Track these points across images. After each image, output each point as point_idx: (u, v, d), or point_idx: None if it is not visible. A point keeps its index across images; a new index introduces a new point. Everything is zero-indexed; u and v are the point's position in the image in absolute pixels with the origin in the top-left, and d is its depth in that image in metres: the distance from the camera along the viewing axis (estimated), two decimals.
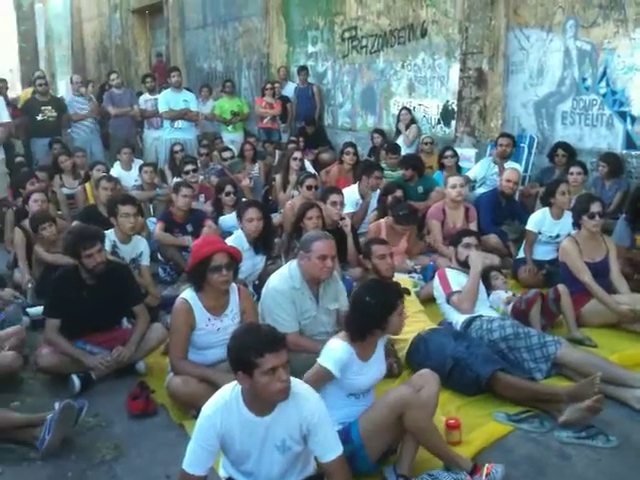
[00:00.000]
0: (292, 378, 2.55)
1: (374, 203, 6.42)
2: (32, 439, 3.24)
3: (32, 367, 4.07)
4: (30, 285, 5.36)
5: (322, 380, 2.94)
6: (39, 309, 4.72)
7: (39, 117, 8.53)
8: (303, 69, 10.07)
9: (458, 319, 4.26)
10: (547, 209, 5.49)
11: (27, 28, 12.21)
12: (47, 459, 3.19)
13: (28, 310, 4.98)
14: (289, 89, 10.46)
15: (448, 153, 7.33)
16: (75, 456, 3.24)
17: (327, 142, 9.74)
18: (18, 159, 8.14)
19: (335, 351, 2.95)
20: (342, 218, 5.44)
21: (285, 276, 3.81)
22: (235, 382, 2.55)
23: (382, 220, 5.71)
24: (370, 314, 2.98)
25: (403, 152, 7.90)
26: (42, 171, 7.00)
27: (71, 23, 18.47)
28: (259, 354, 2.40)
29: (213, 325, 3.61)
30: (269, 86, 10.02)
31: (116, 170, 7.88)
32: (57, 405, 3.28)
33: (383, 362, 3.23)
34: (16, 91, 9.88)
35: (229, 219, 5.95)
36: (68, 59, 18.84)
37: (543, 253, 5.53)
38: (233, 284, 3.71)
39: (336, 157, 8.39)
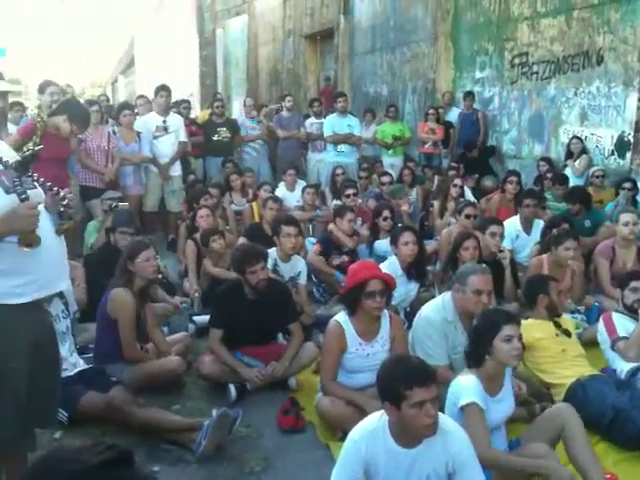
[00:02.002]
0: (440, 414, 2.53)
1: (536, 236, 6.17)
2: (189, 442, 3.46)
3: (194, 373, 4.36)
4: (197, 295, 5.75)
5: (480, 417, 2.85)
6: (204, 318, 5.02)
7: (215, 137, 9.15)
8: (469, 94, 9.95)
9: (623, 367, 3.98)
10: None
11: (208, 53, 13.17)
12: (201, 463, 3.38)
13: (194, 318, 5.34)
14: (453, 114, 10.38)
15: (626, 185, 6.85)
16: (226, 463, 3.42)
17: (490, 168, 9.51)
18: (192, 176, 8.76)
19: (469, 384, 2.89)
20: (501, 250, 5.30)
21: (438, 307, 3.78)
22: (383, 411, 2.58)
23: (544, 255, 5.47)
24: (475, 337, 2.93)
25: (571, 183, 7.52)
26: (214, 188, 7.49)
27: (247, 48, 19.65)
28: (408, 387, 2.41)
29: (363, 350, 3.67)
30: (432, 111, 10.01)
31: (281, 190, 8.25)
32: (214, 412, 3.49)
33: (512, 397, 3.13)
34: (195, 112, 10.62)
35: (384, 244, 6.01)
36: (243, 82, 20.04)
37: None
38: (385, 311, 3.75)
39: (498, 184, 8.18)
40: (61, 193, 2.67)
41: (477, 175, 9.08)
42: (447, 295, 3.82)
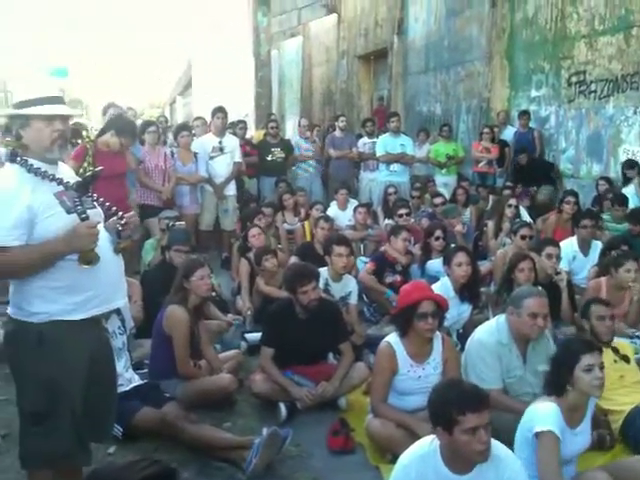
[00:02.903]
0: (493, 440, 2.48)
1: (594, 257, 6.01)
2: (240, 460, 3.48)
3: (246, 390, 4.39)
4: (249, 312, 5.81)
5: (555, 446, 2.76)
6: (256, 335, 5.06)
7: (269, 157, 9.27)
8: (525, 113, 9.82)
9: None
10: None
11: (263, 75, 13.41)
12: None
13: (246, 335, 5.40)
14: (508, 133, 10.25)
15: None
16: None
17: (549, 178, 9.29)
18: (247, 194, 8.89)
19: (549, 412, 2.81)
20: (557, 272, 5.18)
21: (492, 330, 3.72)
22: (434, 436, 2.55)
23: (602, 278, 5.31)
24: (555, 367, 2.85)
25: (631, 204, 7.30)
26: (268, 207, 7.58)
27: (302, 68, 19.92)
28: (460, 412, 2.38)
29: (415, 372, 3.63)
30: (487, 130, 9.91)
31: (332, 209, 8.28)
32: (265, 431, 3.51)
33: (589, 432, 3.03)
34: (250, 132, 10.80)
35: (436, 264, 5.94)
36: (297, 102, 20.29)
37: None
38: (438, 333, 3.71)
39: (555, 196, 8.00)
40: (120, 214, 2.76)
41: (534, 188, 8.88)
42: (501, 318, 3.75)
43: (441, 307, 3.64)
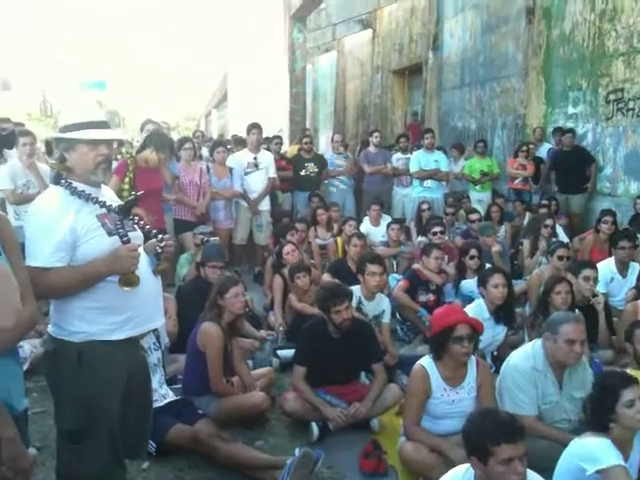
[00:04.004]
0: (529, 471, 2.45)
1: (632, 279, 5.90)
2: None
3: (277, 408, 4.41)
4: (282, 328, 5.84)
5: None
6: (288, 352, 5.09)
7: (302, 172, 9.31)
8: (559, 130, 9.72)
9: None
10: None
11: (298, 91, 13.48)
12: None
13: (278, 352, 5.41)
14: (543, 150, 10.15)
15: None
16: None
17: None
18: (279, 210, 8.93)
19: (607, 447, 2.74)
20: (594, 295, 5.10)
21: (528, 355, 3.67)
22: (469, 464, 2.53)
23: None
24: (595, 405, 2.80)
25: None
26: (301, 222, 7.62)
27: (336, 83, 20.04)
28: (495, 442, 2.36)
29: (448, 396, 3.60)
30: (523, 147, 9.82)
31: (365, 225, 8.29)
32: (297, 451, 3.52)
33: (637, 463, 2.97)
34: (284, 147, 10.88)
35: (470, 284, 5.90)
36: (330, 116, 20.40)
37: None
38: (472, 356, 3.68)
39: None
40: (159, 236, 2.81)
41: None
42: (537, 343, 3.70)
43: (476, 330, 3.61)
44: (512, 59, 11.16)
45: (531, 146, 10.00)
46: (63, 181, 2.68)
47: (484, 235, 7.11)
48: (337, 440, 4.09)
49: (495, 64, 11.70)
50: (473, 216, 7.78)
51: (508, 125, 11.52)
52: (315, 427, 4.11)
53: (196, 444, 3.75)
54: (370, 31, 17.28)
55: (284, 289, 6.15)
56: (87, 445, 2.65)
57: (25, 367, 4.42)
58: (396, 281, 6.59)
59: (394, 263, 7.77)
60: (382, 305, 5.37)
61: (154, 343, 4.18)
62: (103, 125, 2.74)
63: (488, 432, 2.38)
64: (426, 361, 3.65)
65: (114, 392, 2.70)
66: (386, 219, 8.41)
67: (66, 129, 2.69)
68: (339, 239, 7.78)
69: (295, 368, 4.32)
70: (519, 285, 6.39)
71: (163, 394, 4.11)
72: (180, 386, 4.45)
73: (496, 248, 6.92)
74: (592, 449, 2.78)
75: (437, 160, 9.30)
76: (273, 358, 5.36)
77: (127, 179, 6.09)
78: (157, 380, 4.07)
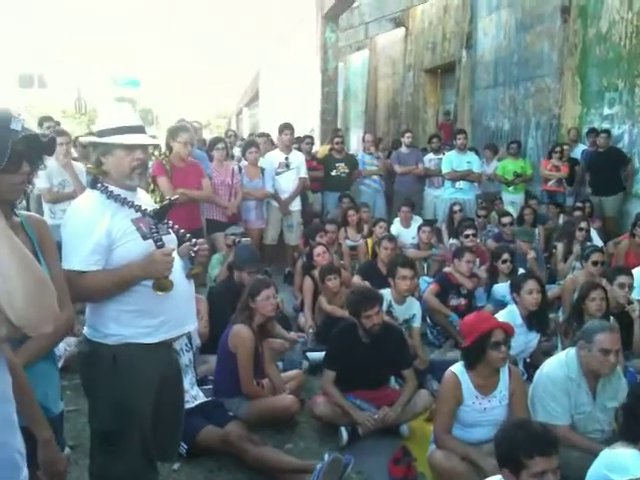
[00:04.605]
0: None
1: None
2: None
3: (307, 411, 4.41)
4: (311, 330, 5.84)
5: None
6: (318, 354, 5.09)
7: (333, 172, 9.29)
8: (593, 131, 9.55)
9: None
10: None
11: (329, 90, 13.43)
12: None
13: (308, 354, 5.42)
14: (578, 151, 9.98)
15: None
16: None
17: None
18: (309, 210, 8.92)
19: (634, 457, 2.68)
20: (630, 302, 5.00)
21: (561, 364, 3.61)
22: (500, 476, 2.50)
23: None
24: (630, 415, 2.73)
25: None
26: (331, 223, 7.60)
27: (367, 81, 19.97)
28: (528, 455, 2.33)
29: (480, 404, 3.57)
30: (557, 148, 9.67)
31: (395, 227, 8.24)
32: (326, 456, 3.52)
33: None
34: (315, 147, 10.87)
35: (502, 288, 5.84)
36: (361, 114, 20.34)
37: None
38: (505, 365, 3.63)
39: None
40: (193, 240, 2.83)
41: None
42: (571, 351, 3.64)
43: (509, 334, 3.58)
44: (547, 58, 11.00)
45: (565, 147, 9.84)
46: (99, 185, 2.72)
47: (520, 239, 7.00)
48: (366, 445, 4.08)
49: (530, 63, 11.55)
50: (505, 219, 7.67)
51: (542, 125, 11.36)
52: (344, 432, 4.11)
53: (226, 446, 3.77)
54: (403, 29, 17.18)
55: (314, 291, 6.15)
56: (120, 446, 2.68)
57: (59, 365, 4.48)
58: (427, 284, 6.55)
59: (425, 265, 7.71)
60: (413, 309, 5.34)
61: (186, 344, 4.22)
62: (139, 130, 2.76)
63: (521, 444, 2.35)
64: (458, 368, 3.62)
65: (147, 394, 2.73)
66: (417, 220, 8.35)
67: (103, 134, 2.72)
68: (369, 240, 7.76)
69: (325, 372, 4.32)
70: (552, 290, 6.30)
71: (194, 395, 4.14)
72: (210, 387, 4.49)
73: (531, 255, 6.80)
74: (622, 459, 2.72)
75: (469, 161, 9.22)
76: (303, 359, 5.37)
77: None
78: (188, 381, 4.10)
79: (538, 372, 3.74)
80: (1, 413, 1.73)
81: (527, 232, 7.22)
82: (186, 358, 4.16)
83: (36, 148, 2.07)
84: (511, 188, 9.88)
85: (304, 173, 8.28)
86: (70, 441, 3.90)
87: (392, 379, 4.68)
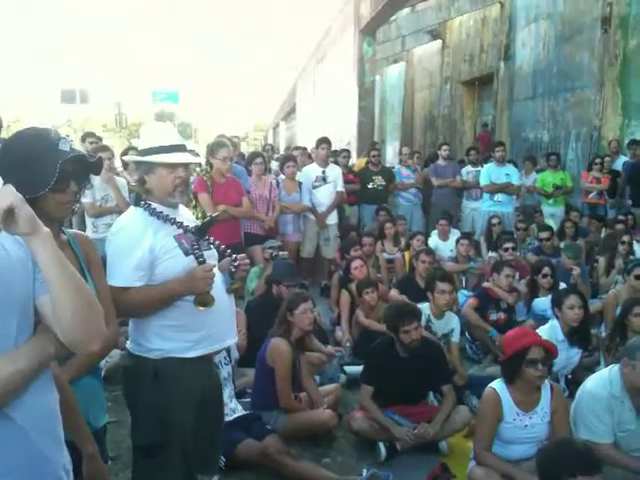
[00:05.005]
0: None
1: None
2: None
3: (344, 426, 4.41)
4: (349, 344, 5.84)
5: None
6: (356, 368, 5.08)
7: (369, 185, 9.31)
8: (635, 143, 9.37)
9: None
10: None
11: (366, 104, 13.47)
12: None
13: (345, 368, 5.42)
14: (619, 163, 9.81)
15: None
16: None
17: None
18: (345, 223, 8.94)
19: None
20: None
21: (604, 381, 3.54)
22: None
23: None
24: None
25: None
26: (368, 236, 7.60)
27: (404, 93, 19.97)
28: (571, 474, 2.30)
29: (521, 421, 3.52)
30: (598, 160, 9.53)
31: (433, 240, 8.20)
32: (365, 471, 3.52)
33: None
34: (352, 160, 10.90)
35: (543, 302, 5.76)
36: (398, 127, 20.33)
37: None
38: (546, 381, 3.58)
39: None
40: (233, 256, 2.87)
41: None
42: (615, 368, 3.57)
43: (551, 353, 3.52)
44: (587, 70, 10.86)
45: (606, 158, 9.69)
46: (143, 202, 2.78)
47: (566, 255, 6.86)
48: (404, 461, 4.05)
49: (569, 75, 11.41)
50: (543, 234, 7.55)
51: (582, 137, 11.20)
52: (383, 447, 4.09)
53: (264, 459, 3.79)
54: (439, 42, 17.18)
55: (351, 304, 6.15)
56: (162, 460, 2.72)
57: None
58: (465, 297, 6.50)
59: (463, 279, 7.65)
60: (451, 323, 5.30)
61: (225, 357, 4.25)
62: (181, 148, 2.82)
63: (564, 463, 2.32)
64: (498, 384, 3.58)
65: (188, 408, 2.76)
66: (455, 233, 8.28)
67: (145, 152, 2.79)
68: (407, 253, 7.73)
69: (362, 387, 4.31)
70: (594, 304, 6.18)
71: (233, 408, 4.17)
72: (249, 400, 4.52)
73: (577, 271, 6.64)
74: None
75: (508, 173, 9.13)
76: (340, 374, 5.37)
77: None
78: (227, 394, 4.13)
79: (580, 389, 3.68)
80: (47, 428, 1.76)
81: (574, 248, 7.06)
82: (225, 371, 4.19)
83: (83, 168, 2.14)
84: (551, 200, 9.76)
85: (341, 187, 8.32)
86: (110, 453, 3.97)
87: (431, 394, 4.64)
